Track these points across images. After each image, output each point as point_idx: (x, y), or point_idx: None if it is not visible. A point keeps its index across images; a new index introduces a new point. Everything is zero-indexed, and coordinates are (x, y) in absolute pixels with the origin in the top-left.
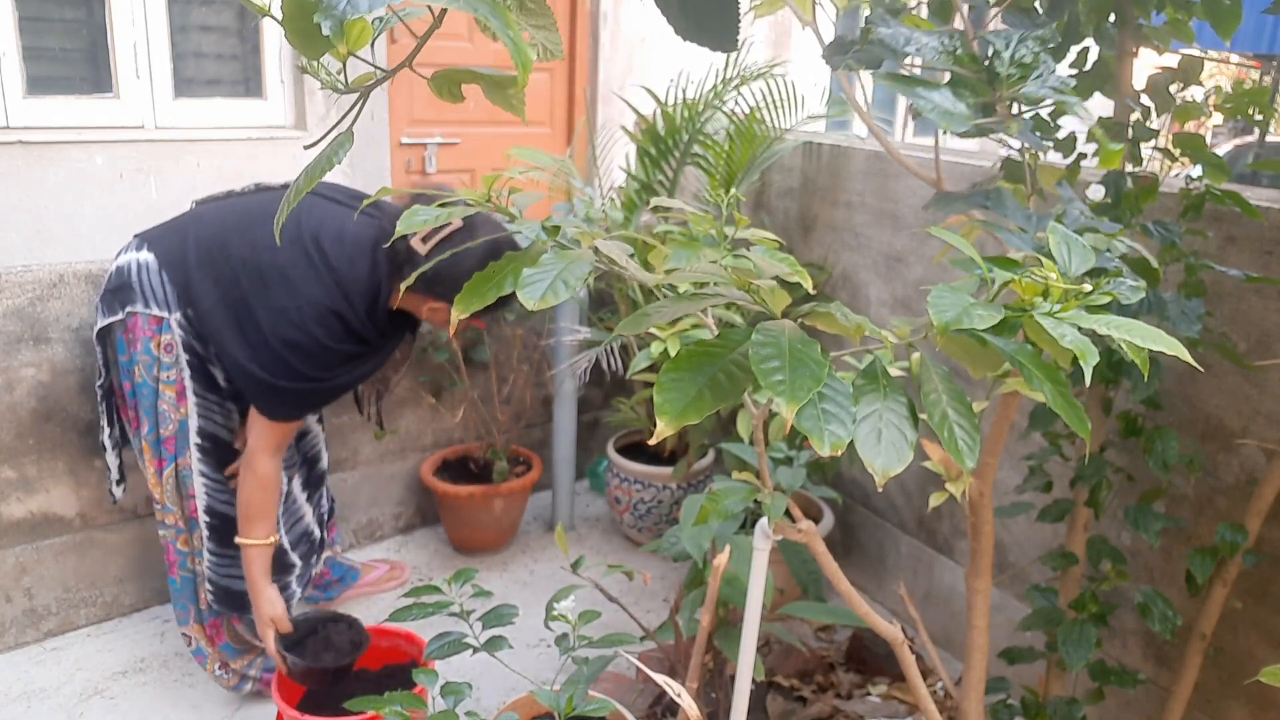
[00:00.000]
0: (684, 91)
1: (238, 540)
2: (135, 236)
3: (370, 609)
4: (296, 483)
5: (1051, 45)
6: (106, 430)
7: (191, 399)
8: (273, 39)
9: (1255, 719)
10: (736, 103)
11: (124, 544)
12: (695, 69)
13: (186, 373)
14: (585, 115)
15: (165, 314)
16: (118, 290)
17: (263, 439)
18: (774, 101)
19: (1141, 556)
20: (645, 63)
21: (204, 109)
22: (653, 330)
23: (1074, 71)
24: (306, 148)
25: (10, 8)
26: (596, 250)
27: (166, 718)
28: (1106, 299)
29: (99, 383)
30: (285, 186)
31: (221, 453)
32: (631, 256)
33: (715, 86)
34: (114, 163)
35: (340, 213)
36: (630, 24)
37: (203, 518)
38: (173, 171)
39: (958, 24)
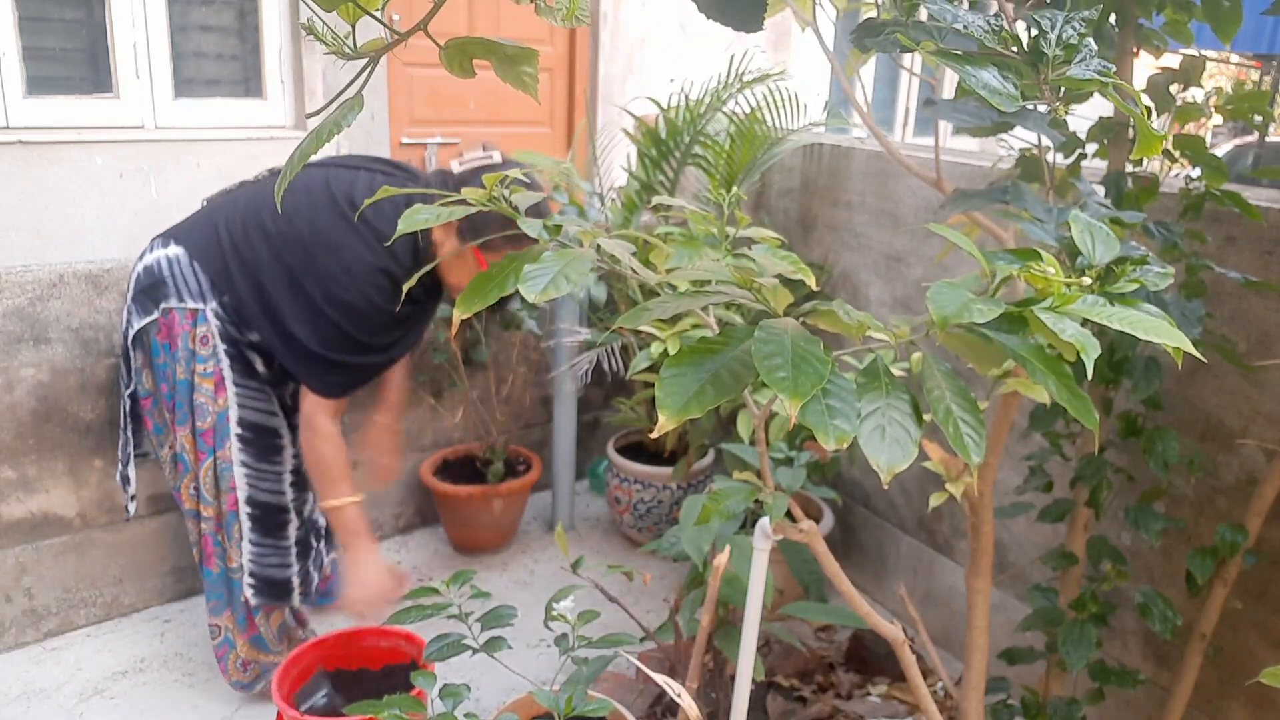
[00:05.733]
0: (685, 95)
1: (323, 506)
2: (157, 237)
3: None
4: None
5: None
6: (131, 442)
7: (231, 389)
8: (273, 39)
9: (1255, 719)
10: (737, 103)
11: (124, 544)
12: (695, 70)
13: (225, 363)
14: (585, 116)
15: (200, 305)
16: (150, 289)
17: (319, 405)
18: (775, 103)
19: (1141, 556)
20: (645, 63)
21: (204, 109)
22: (653, 331)
23: None
24: (309, 116)
25: (10, 8)
26: (598, 248)
27: (166, 718)
28: (1134, 285)
29: (127, 391)
30: (308, 165)
31: (264, 440)
32: (633, 254)
33: (716, 90)
34: (114, 162)
35: (367, 175)
36: (630, 24)
37: (244, 509)
38: (173, 171)
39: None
